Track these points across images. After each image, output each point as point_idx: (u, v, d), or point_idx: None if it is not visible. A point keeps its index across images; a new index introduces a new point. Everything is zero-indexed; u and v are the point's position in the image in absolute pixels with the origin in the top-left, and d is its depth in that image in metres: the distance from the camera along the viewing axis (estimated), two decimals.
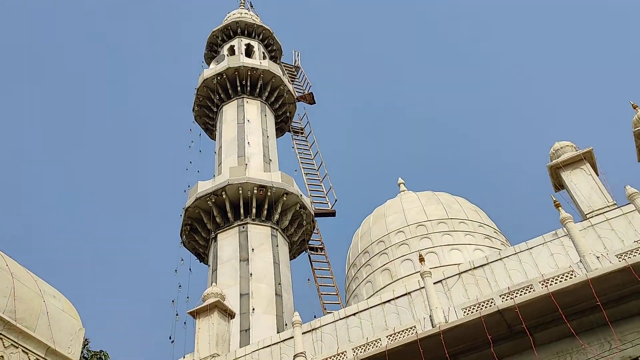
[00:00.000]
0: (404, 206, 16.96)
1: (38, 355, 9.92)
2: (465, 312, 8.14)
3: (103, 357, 18.67)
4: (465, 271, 9.99)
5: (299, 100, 28.49)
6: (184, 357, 10.71)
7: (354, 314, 10.49)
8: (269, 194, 20.92)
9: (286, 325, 17.68)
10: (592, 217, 9.47)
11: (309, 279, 21.74)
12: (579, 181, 10.69)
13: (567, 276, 7.60)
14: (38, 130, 62.43)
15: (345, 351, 8.70)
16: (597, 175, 10.82)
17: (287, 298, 19.43)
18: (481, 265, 9.92)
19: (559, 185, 11.35)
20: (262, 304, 18.41)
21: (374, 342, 8.60)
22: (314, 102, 29.14)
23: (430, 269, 9.36)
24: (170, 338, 17.82)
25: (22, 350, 9.69)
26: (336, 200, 24.33)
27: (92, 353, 18.37)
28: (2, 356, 9.25)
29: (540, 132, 54.83)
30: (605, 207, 9.93)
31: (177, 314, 18.05)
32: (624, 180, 9.43)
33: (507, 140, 62.00)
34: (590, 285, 6.94)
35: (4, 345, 9.43)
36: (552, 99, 61.60)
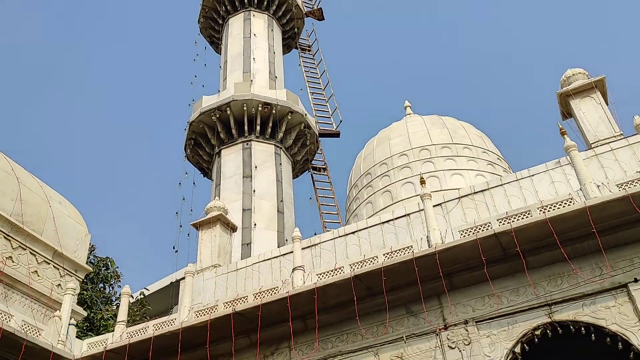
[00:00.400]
0: (408, 129, 16.86)
1: (45, 257, 10.29)
2: (462, 234, 8.27)
3: (109, 263, 19.34)
4: (465, 195, 10.09)
5: (307, 16, 27.57)
6: (187, 266, 11.04)
7: (353, 233, 10.71)
8: (274, 111, 20.77)
9: (287, 241, 18.14)
10: (597, 146, 9.42)
11: (310, 198, 22.09)
12: (588, 110, 10.55)
13: (565, 203, 7.65)
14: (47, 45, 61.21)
15: (343, 267, 8.92)
16: (607, 105, 10.66)
17: (288, 215, 19.81)
18: (481, 191, 10.00)
19: (567, 113, 11.21)
20: (264, 219, 18.80)
21: (371, 259, 8.79)
22: (323, 18, 28.17)
23: (431, 192, 9.42)
24: (174, 248, 18.41)
25: (30, 252, 10.04)
26: (341, 121, 24.20)
27: (99, 259, 19.00)
28: (10, 257, 9.60)
29: (552, 60, 53.53)
30: (611, 137, 9.86)
31: (180, 226, 18.51)
32: (634, 110, 9.29)
33: (518, 68, 60.68)
34: (588, 212, 7.00)
35: (12, 246, 9.75)
36: (567, 24, 59.56)
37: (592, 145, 9.83)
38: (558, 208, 7.57)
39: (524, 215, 7.81)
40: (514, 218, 7.83)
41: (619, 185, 7.55)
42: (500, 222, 7.92)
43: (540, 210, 7.63)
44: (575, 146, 8.41)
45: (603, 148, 9.05)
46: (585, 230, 7.21)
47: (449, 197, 10.18)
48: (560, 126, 8.80)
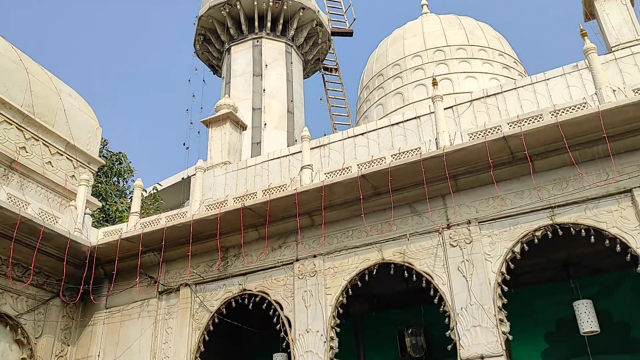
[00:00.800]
0: (424, 29, 16.32)
1: (58, 149, 10.46)
2: (471, 137, 8.25)
3: (122, 158, 19.73)
4: (477, 99, 9.95)
5: None
6: (198, 162, 11.21)
7: (362, 134, 10.72)
8: (285, 7, 20.08)
9: (296, 141, 18.24)
10: (617, 50, 9.11)
11: (321, 99, 21.94)
12: (612, 11, 10.06)
13: (578, 107, 7.54)
14: None
15: (350, 166, 9.01)
16: (633, 6, 10.17)
17: (298, 116, 19.76)
18: (494, 94, 9.85)
19: (591, 14, 10.73)
20: (274, 119, 18.80)
21: (379, 160, 8.85)
22: None
23: (443, 95, 9.28)
24: (184, 145, 18.69)
25: (43, 144, 10.19)
26: (354, 20, 23.41)
27: (112, 153, 19.36)
28: (24, 147, 9.76)
29: None
30: (633, 40, 9.49)
31: (191, 123, 18.65)
32: None
33: None
34: (600, 117, 6.89)
35: (25, 137, 9.89)
36: None
37: (613, 49, 9.49)
38: (570, 112, 7.47)
39: (535, 119, 7.73)
40: (525, 122, 7.75)
41: (635, 90, 7.39)
42: (511, 125, 7.86)
43: (552, 114, 7.54)
44: (594, 48, 8.12)
45: (623, 52, 8.74)
46: (596, 135, 7.15)
47: (461, 100, 10.05)
48: (581, 27, 8.45)
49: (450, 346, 7.34)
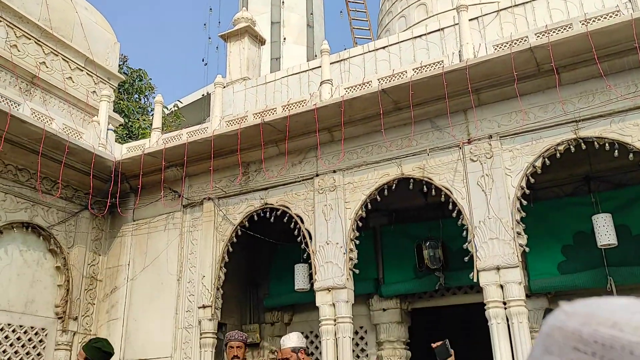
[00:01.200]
0: None
1: (77, 64, 10.44)
2: (496, 48, 7.99)
3: (142, 75, 19.65)
4: (504, 8, 9.52)
5: None
6: (216, 78, 11.13)
7: (384, 48, 10.43)
8: None
9: (316, 56, 17.90)
10: None
11: (341, 11, 21.25)
12: None
13: (610, 16, 7.19)
14: None
15: (371, 81, 8.86)
16: None
17: (318, 30, 19.25)
18: (522, 3, 9.40)
19: None
20: (293, 33, 18.35)
21: (400, 74, 8.67)
22: None
23: (468, 5, 8.89)
24: (203, 60, 18.51)
25: (62, 59, 10.18)
26: None
27: (132, 70, 19.28)
28: (44, 62, 9.77)
29: None
30: None
31: (209, 38, 18.42)
32: None
33: None
34: (633, 26, 6.58)
35: (44, 52, 9.87)
36: None
37: None
38: (602, 21, 7.13)
39: (565, 28, 7.41)
40: (553, 32, 7.44)
41: None
42: (538, 35, 7.56)
43: (582, 24, 7.21)
44: None
45: None
46: (627, 45, 6.85)
47: (487, 11, 9.64)
48: None
49: (467, 258, 7.51)
